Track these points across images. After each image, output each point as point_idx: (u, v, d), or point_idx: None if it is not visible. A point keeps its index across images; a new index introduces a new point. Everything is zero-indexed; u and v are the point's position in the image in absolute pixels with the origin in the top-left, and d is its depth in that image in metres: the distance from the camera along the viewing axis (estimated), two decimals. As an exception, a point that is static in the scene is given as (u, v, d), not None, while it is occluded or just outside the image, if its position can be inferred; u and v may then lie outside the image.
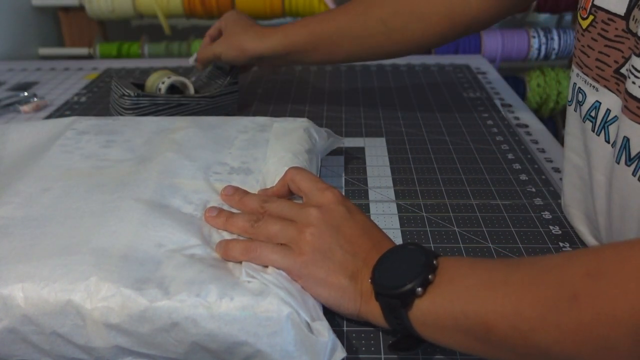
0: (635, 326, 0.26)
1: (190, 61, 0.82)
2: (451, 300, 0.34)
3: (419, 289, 0.35)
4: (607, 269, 0.29)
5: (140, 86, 0.72)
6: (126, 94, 0.67)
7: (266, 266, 0.40)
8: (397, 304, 0.36)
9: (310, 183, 0.46)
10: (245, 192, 0.48)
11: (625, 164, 0.38)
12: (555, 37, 1.40)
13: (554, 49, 1.40)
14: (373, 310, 0.38)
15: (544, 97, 1.44)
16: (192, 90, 0.73)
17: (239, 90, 0.77)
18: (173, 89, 0.73)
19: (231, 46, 0.73)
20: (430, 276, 0.35)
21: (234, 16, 0.76)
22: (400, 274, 0.36)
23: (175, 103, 0.70)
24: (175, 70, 0.78)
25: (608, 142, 0.42)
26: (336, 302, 0.39)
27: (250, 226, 0.43)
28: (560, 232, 0.51)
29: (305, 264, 0.39)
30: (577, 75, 0.45)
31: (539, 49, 1.40)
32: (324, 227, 0.41)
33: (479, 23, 0.65)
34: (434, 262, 0.36)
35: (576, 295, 0.29)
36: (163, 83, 0.71)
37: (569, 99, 0.47)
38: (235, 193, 0.47)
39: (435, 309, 0.35)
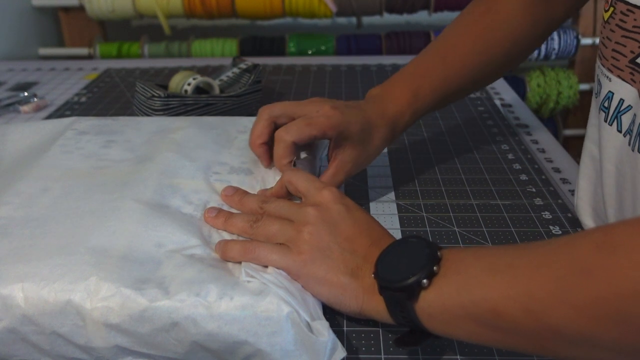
0: None
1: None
2: (458, 289, 0.33)
3: (425, 281, 0.34)
4: (619, 242, 0.28)
5: (164, 87, 0.72)
6: (156, 95, 0.68)
7: (266, 266, 0.40)
8: (402, 297, 0.35)
9: (307, 183, 0.45)
10: (245, 193, 0.48)
11: (637, 151, 0.39)
12: (555, 37, 1.40)
13: (554, 49, 1.40)
14: (377, 306, 0.38)
15: (544, 97, 1.44)
16: (217, 90, 0.74)
17: (262, 89, 0.78)
18: (197, 89, 0.74)
19: (372, 153, 0.54)
20: (435, 267, 0.35)
21: (338, 120, 0.50)
22: (404, 267, 0.36)
23: (203, 103, 0.71)
24: (191, 70, 0.78)
25: (620, 132, 0.42)
26: (337, 300, 0.39)
27: (249, 227, 0.43)
28: (560, 232, 0.51)
29: (304, 263, 0.39)
30: (599, 66, 0.45)
31: (539, 49, 1.40)
32: (321, 226, 0.41)
33: (561, 21, 0.60)
34: (438, 253, 0.36)
35: (588, 270, 0.28)
36: (189, 84, 0.72)
37: (595, 91, 0.47)
38: (235, 193, 0.47)
39: (442, 299, 0.34)
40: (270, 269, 0.40)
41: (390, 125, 0.54)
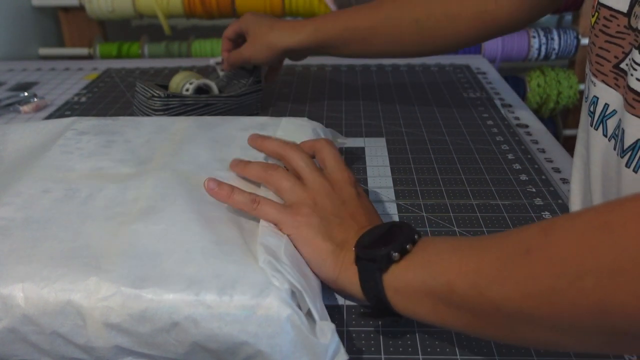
0: (578, 274, 0.27)
1: (212, 62, 0.82)
2: (422, 264, 0.36)
3: (396, 254, 0.37)
4: (559, 225, 0.30)
5: (164, 87, 0.72)
6: (156, 95, 0.68)
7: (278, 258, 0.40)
8: (374, 267, 0.37)
9: (334, 161, 0.48)
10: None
11: (619, 155, 0.39)
12: (556, 37, 1.40)
13: (554, 49, 1.40)
14: (351, 277, 0.39)
15: (544, 97, 1.44)
16: (216, 91, 0.74)
17: (263, 89, 0.78)
18: (198, 89, 0.74)
19: (261, 47, 0.72)
20: (408, 246, 0.37)
21: (255, 17, 0.74)
22: (382, 242, 0.38)
23: (203, 103, 0.71)
24: (190, 70, 0.78)
25: (605, 136, 0.42)
26: (317, 264, 0.41)
27: (263, 171, 0.47)
28: (560, 232, 0.51)
29: (299, 224, 0.42)
30: (587, 71, 0.46)
31: (539, 49, 1.40)
32: (330, 199, 0.44)
33: (510, 25, 0.66)
34: (415, 236, 0.38)
35: (529, 249, 0.30)
36: (191, 84, 0.72)
37: (585, 95, 0.48)
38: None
39: (407, 274, 0.36)
40: (284, 256, 0.40)
41: (270, 30, 0.71)
